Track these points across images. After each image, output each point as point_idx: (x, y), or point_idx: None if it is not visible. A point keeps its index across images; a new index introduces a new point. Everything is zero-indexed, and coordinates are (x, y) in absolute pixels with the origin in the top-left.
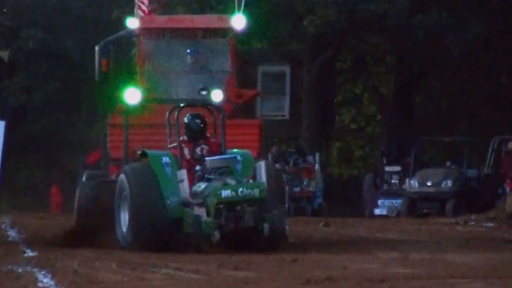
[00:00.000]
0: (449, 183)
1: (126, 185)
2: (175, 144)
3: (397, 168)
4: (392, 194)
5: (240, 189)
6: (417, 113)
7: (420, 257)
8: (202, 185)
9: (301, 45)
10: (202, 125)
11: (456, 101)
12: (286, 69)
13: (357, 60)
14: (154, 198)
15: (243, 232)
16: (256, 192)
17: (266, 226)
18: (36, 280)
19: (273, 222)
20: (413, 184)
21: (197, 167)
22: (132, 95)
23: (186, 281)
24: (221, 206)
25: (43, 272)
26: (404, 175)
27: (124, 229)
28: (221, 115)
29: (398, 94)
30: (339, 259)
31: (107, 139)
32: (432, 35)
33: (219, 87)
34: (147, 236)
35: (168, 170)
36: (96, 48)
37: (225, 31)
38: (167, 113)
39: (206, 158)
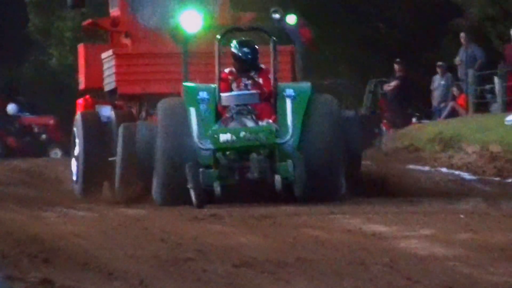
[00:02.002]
0: None
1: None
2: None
3: None
4: None
5: (243, 133)
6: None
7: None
8: (216, 127)
9: None
10: (251, 55)
11: (335, 47)
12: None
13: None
14: (181, 141)
15: (251, 185)
16: (262, 137)
17: (277, 178)
18: None
19: (287, 174)
20: None
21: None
22: (191, 21)
23: (80, 218)
24: (228, 153)
25: None
26: None
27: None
28: (272, 43)
29: None
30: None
31: (114, 71)
32: None
33: (211, 7)
34: (172, 186)
35: (203, 107)
36: None
37: None
38: (217, 39)
39: (221, 94)
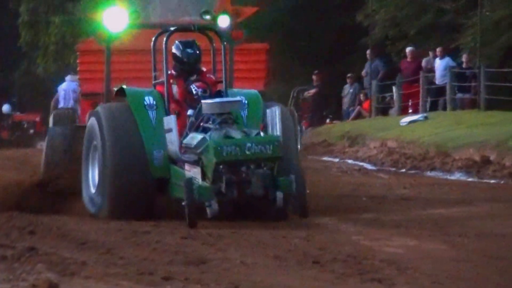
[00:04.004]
0: None
1: (97, 133)
2: (161, 80)
3: None
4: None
5: (248, 145)
6: None
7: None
8: (197, 137)
9: None
10: (195, 57)
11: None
12: None
13: None
14: (133, 151)
15: (249, 202)
16: (268, 149)
17: (279, 195)
18: None
19: (289, 190)
20: None
21: (189, 112)
22: (116, 20)
23: (58, 196)
24: (222, 167)
25: None
26: None
27: (93, 190)
28: (223, 45)
29: None
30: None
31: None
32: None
33: (212, 2)
34: (123, 200)
35: (152, 114)
36: None
37: None
38: (153, 39)
39: (202, 101)
